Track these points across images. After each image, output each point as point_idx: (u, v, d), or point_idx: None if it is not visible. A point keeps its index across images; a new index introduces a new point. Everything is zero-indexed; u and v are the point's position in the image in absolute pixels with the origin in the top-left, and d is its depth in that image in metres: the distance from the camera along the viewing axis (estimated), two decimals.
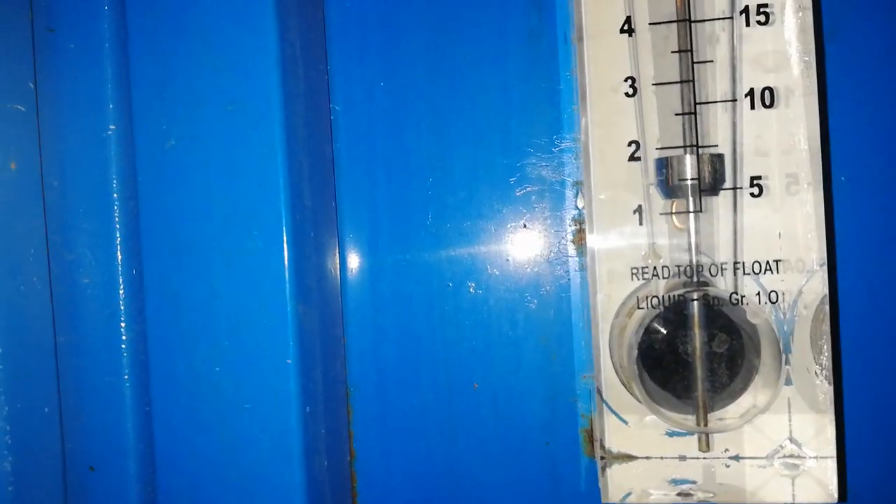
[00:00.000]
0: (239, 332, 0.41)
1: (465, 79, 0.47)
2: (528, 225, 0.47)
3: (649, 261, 0.42)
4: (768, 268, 0.41)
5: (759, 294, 0.41)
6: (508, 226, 0.47)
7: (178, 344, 0.42)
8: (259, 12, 0.41)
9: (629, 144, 0.42)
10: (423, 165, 0.48)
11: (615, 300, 0.42)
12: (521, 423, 0.47)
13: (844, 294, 0.44)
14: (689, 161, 0.41)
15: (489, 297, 0.47)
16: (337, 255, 0.48)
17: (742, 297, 0.41)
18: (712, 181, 0.41)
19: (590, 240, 0.42)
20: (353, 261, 0.49)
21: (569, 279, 0.47)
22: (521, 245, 0.47)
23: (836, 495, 0.41)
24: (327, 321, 0.46)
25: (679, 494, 0.42)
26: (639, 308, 0.41)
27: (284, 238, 0.41)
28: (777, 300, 0.41)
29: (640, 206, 0.42)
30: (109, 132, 0.43)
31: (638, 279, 0.42)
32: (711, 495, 0.42)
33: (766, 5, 0.41)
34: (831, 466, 0.41)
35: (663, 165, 0.41)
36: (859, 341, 0.45)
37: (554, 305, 0.47)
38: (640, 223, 0.42)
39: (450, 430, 0.48)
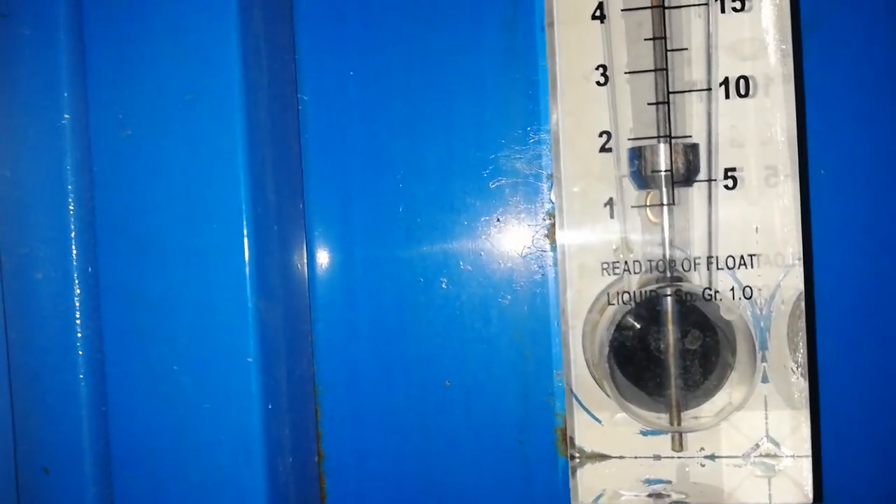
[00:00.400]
0: (198, 330, 0.40)
1: (439, 68, 0.46)
2: (501, 219, 0.46)
3: (621, 255, 0.41)
4: (743, 262, 0.40)
5: (733, 289, 0.40)
6: (481, 220, 0.46)
7: (135, 341, 0.41)
8: None
9: (601, 135, 0.41)
10: (394, 157, 0.46)
11: (586, 296, 0.41)
12: (495, 421, 0.46)
13: (821, 289, 0.43)
14: (662, 150, 0.40)
15: (462, 292, 0.46)
16: (304, 249, 0.47)
17: (716, 292, 0.40)
18: (686, 172, 0.40)
19: (559, 234, 0.41)
20: (322, 256, 0.47)
21: (543, 274, 0.46)
22: (495, 239, 0.46)
23: (811, 496, 0.40)
24: (293, 318, 0.45)
25: (650, 495, 0.41)
26: (610, 304, 0.40)
27: (245, 232, 0.40)
28: (752, 296, 0.40)
29: (611, 199, 0.41)
30: (64, 121, 0.42)
31: (609, 274, 0.41)
32: (684, 496, 0.41)
33: None
34: (807, 466, 0.40)
35: (636, 155, 0.40)
36: (836, 337, 0.44)
37: (528, 301, 0.46)
38: (612, 216, 0.41)
39: (421, 428, 0.47)
